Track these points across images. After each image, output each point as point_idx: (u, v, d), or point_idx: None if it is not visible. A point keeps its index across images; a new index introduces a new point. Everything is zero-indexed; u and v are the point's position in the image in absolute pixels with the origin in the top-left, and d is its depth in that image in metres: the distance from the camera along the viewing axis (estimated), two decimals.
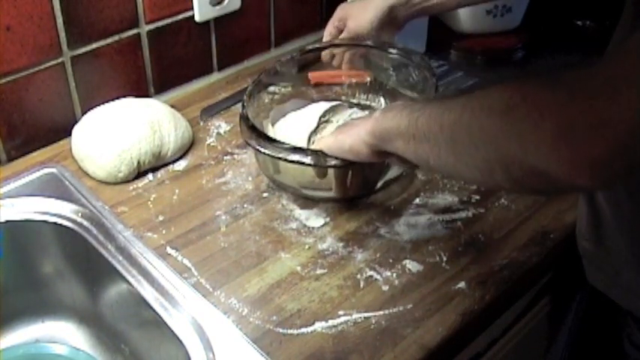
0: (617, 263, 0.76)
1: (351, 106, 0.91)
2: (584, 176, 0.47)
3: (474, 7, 1.00)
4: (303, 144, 0.82)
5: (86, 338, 0.88)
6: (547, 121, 0.47)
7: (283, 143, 0.78)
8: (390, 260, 0.78)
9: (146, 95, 1.03)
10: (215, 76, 1.12)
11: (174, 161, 0.93)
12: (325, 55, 0.99)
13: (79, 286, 0.86)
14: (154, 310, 0.72)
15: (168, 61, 1.04)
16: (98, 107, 0.93)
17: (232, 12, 1.08)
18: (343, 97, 0.95)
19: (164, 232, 0.82)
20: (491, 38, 1.23)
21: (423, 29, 1.15)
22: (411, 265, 0.77)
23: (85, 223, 0.82)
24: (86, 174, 0.90)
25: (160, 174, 0.91)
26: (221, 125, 1.00)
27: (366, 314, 0.71)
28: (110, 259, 0.78)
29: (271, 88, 0.96)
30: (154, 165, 0.91)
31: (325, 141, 0.76)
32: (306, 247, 0.80)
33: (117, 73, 0.99)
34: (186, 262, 0.78)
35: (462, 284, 0.75)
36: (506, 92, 0.52)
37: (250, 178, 0.90)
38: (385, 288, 0.75)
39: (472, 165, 0.56)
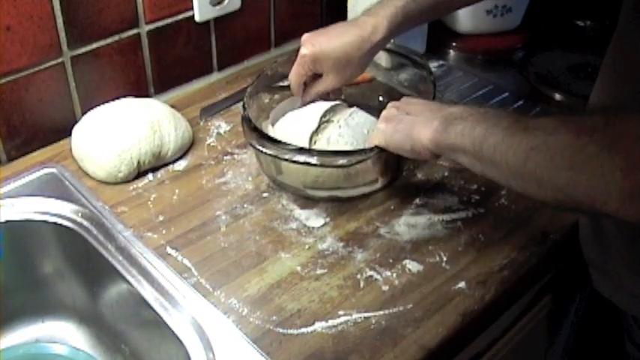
0: (620, 269, 0.76)
1: (351, 105, 0.91)
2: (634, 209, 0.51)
3: (474, 7, 1.00)
4: (303, 144, 0.82)
5: (86, 338, 0.88)
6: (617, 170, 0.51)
7: (287, 144, 0.78)
8: (390, 260, 0.78)
9: (146, 95, 1.03)
10: (215, 76, 1.12)
11: (174, 161, 0.93)
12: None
13: (79, 286, 0.86)
14: (154, 310, 0.72)
15: (168, 61, 1.04)
16: (98, 107, 0.93)
17: (232, 12, 1.08)
18: (343, 97, 0.95)
19: (164, 232, 0.82)
20: (491, 38, 1.23)
21: (422, 29, 1.15)
22: (411, 265, 0.77)
23: (85, 223, 0.82)
24: (86, 174, 0.90)
25: (159, 174, 0.91)
26: (221, 125, 1.00)
27: (366, 314, 0.71)
28: (110, 259, 0.78)
29: (271, 89, 0.95)
30: (154, 165, 0.91)
31: (378, 136, 0.77)
32: (306, 247, 0.80)
33: (117, 73, 0.99)
34: (186, 262, 0.78)
35: (462, 284, 0.75)
36: (579, 140, 0.55)
37: (250, 178, 0.90)
38: (385, 288, 0.75)
39: (538, 194, 0.60)
